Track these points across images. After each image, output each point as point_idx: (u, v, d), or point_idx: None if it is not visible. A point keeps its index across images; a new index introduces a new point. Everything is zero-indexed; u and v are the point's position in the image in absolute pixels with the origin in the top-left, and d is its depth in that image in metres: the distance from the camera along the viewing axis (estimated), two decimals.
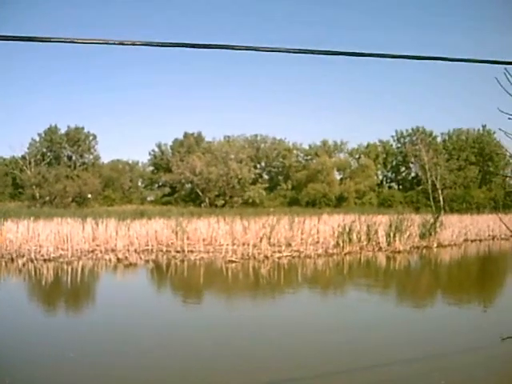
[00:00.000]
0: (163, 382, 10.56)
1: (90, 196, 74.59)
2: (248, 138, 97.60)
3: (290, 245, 33.45)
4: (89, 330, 14.79)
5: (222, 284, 24.15)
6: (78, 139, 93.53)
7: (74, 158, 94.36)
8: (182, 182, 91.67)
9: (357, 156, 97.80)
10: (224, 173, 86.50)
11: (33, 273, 25.23)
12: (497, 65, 4.62)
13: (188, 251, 31.55)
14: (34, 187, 76.22)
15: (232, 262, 28.63)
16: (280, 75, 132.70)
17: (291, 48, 4.34)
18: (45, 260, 27.85)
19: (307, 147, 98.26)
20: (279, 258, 30.12)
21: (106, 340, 13.68)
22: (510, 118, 5.01)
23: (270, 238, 33.62)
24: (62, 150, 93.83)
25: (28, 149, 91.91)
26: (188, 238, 34.39)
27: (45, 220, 35.18)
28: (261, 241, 32.81)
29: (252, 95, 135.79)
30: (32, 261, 27.62)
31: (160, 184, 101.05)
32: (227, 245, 31.92)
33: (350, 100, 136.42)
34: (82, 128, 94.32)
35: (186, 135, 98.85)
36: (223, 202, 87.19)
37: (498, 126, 5.24)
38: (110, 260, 28.83)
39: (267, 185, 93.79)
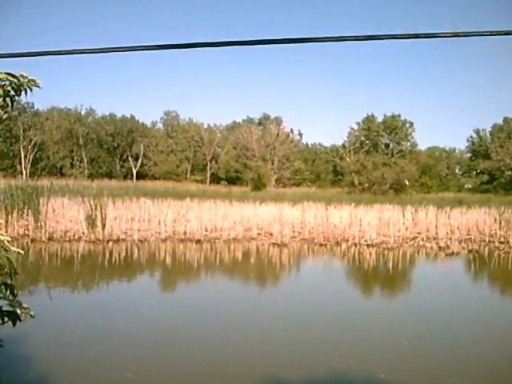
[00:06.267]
0: None
1: (407, 183, 74.86)
2: None
3: None
4: (402, 319, 14.84)
5: None
6: (394, 127, 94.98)
7: (391, 145, 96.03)
8: (501, 169, 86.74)
9: None
10: None
11: (356, 257, 26.28)
12: None
13: None
14: (353, 174, 79.41)
15: None
16: None
17: None
18: (368, 245, 28.82)
19: None
20: None
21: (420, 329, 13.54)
22: None
23: None
24: (380, 138, 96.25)
25: (347, 137, 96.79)
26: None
27: (365, 206, 36.20)
28: None
29: None
30: (356, 245, 28.87)
31: (478, 171, 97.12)
32: None
33: None
34: (399, 116, 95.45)
35: (505, 120, 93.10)
36: None
37: None
38: (431, 248, 28.65)
39: None
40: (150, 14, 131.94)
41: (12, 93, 3.59)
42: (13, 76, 3.54)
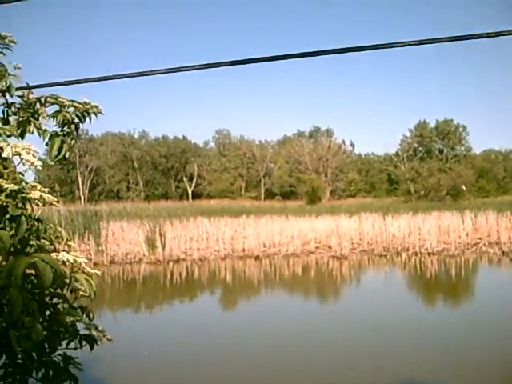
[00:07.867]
0: None
1: (464, 188, 73.22)
2: None
3: None
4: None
5: None
6: (447, 132, 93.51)
7: (445, 151, 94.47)
8: None
9: None
10: None
11: (418, 266, 25.78)
12: None
13: None
14: (408, 182, 78.25)
15: None
16: None
17: None
18: (429, 254, 28.28)
19: None
20: None
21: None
22: None
23: None
24: (433, 144, 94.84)
25: (400, 145, 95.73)
26: None
27: (423, 214, 35.47)
28: None
29: None
30: (416, 254, 28.35)
31: None
32: None
33: None
34: (451, 120, 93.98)
35: None
36: None
37: None
38: (494, 253, 27.87)
39: None
40: (194, 34, 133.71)
41: (76, 120, 3.65)
42: (77, 103, 3.60)
